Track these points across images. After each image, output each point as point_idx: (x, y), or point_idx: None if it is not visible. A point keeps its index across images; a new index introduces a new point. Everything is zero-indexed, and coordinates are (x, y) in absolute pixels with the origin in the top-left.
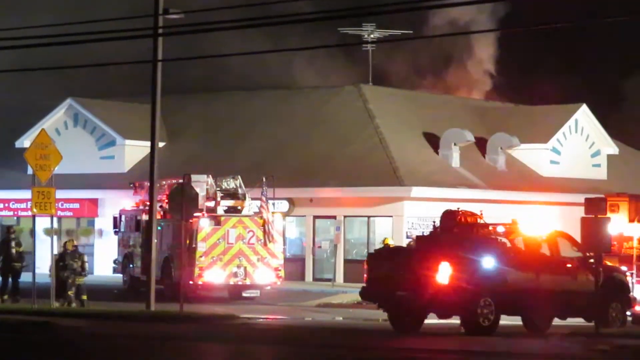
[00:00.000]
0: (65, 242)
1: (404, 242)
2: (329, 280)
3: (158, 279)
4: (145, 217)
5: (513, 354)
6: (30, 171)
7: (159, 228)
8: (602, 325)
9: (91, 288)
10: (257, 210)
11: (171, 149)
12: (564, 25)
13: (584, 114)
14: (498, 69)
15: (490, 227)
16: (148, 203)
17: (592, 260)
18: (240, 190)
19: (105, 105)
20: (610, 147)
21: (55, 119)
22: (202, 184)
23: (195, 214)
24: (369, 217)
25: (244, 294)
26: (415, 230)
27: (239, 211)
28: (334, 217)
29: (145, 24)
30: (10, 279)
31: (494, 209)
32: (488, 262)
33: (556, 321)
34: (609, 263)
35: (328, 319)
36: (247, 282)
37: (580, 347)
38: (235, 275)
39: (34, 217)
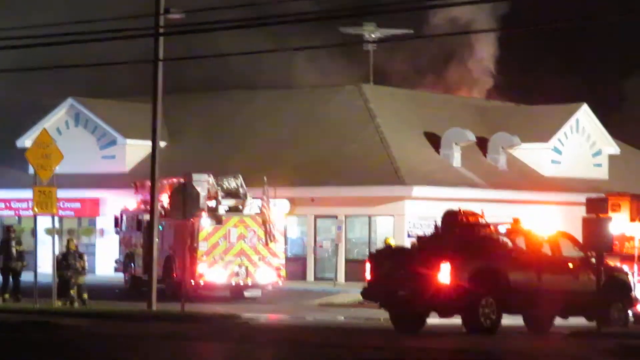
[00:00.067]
0: (68, 241)
1: (405, 242)
2: (330, 279)
3: (159, 278)
4: (146, 216)
5: (515, 354)
6: (31, 170)
7: (160, 227)
8: (603, 324)
9: (92, 287)
10: (259, 209)
11: (172, 148)
12: (564, 25)
13: (585, 114)
14: (499, 68)
15: (492, 227)
16: (149, 202)
17: (593, 260)
18: (241, 190)
19: (107, 104)
20: (611, 146)
21: (56, 119)
22: (203, 183)
23: (197, 214)
24: (370, 216)
25: (246, 294)
26: (416, 230)
27: (240, 210)
28: (335, 217)
29: (147, 23)
30: (11, 278)
31: (495, 208)
32: (489, 262)
33: (558, 321)
34: (610, 263)
35: (329, 319)
36: (249, 281)
37: (581, 346)
38: (236, 274)
39: (35, 216)
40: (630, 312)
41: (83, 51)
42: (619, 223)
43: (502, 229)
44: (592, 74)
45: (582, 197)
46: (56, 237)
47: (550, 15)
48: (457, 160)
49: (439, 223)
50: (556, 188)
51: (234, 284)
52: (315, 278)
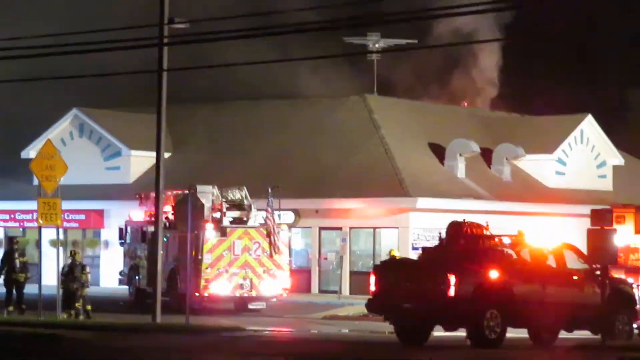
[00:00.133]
0: (74, 254)
1: (410, 254)
2: (334, 292)
3: (164, 290)
4: (151, 228)
5: None
6: (35, 182)
7: (165, 239)
8: (608, 337)
9: (97, 299)
10: (263, 221)
11: (177, 159)
12: (567, 35)
13: (589, 125)
14: (503, 78)
15: (496, 239)
16: (154, 214)
17: (598, 272)
18: (245, 201)
19: (111, 115)
20: (616, 157)
21: (60, 129)
22: (207, 194)
23: (201, 225)
24: (374, 228)
25: (250, 306)
26: (421, 242)
27: (245, 222)
28: (340, 229)
29: (150, 33)
30: (14, 290)
31: (499, 220)
32: (494, 274)
33: (563, 334)
34: (615, 275)
35: (334, 331)
36: (253, 293)
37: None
38: (241, 286)
39: (39, 228)
40: (635, 325)
41: (87, 61)
42: (623, 235)
43: (506, 241)
44: (597, 85)
45: (586, 209)
46: (61, 248)
47: (555, 25)
48: (461, 171)
49: (444, 235)
50: (560, 199)
51: (238, 296)
52: (320, 290)
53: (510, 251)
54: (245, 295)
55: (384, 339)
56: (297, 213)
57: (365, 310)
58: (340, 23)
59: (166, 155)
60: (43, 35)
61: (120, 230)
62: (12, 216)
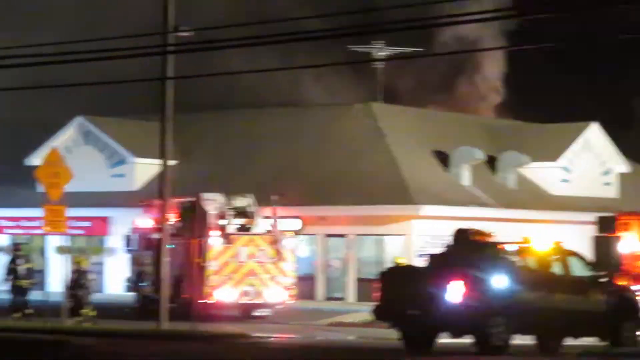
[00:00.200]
0: (80, 260)
1: (415, 261)
2: (340, 299)
3: (170, 297)
4: (156, 235)
5: None
6: (40, 189)
7: (170, 246)
8: (614, 344)
9: (102, 306)
10: (268, 228)
11: (182, 167)
12: (572, 42)
13: (594, 132)
14: (508, 85)
15: (502, 246)
16: (159, 221)
17: (603, 280)
18: (251, 209)
19: (116, 123)
20: (621, 165)
21: (65, 137)
22: (213, 202)
23: (207, 233)
24: (379, 235)
25: (255, 313)
26: (426, 249)
27: (250, 230)
28: (345, 236)
29: (156, 42)
30: (20, 296)
31: (504, 227)
32: (500, 281)
33: (569, 341)
34: (620, 282)
35: (340, 338)
36: (258, 300)
37: None
38: (246, 293)
39: (45, 235)
40: (638, 332)
41: (92, 69)
42: (628, 242)
43: (512, 248)
44: (603, 92)
45: (591, 216)
46: (67, 255)
47: (560, 33)
48: (466, 179)
49: (449, 242)
50: (566, 207)
51: (243, 303)
52: (325, 297)
53: (515, 258)
54: (251, 302)
55: (390, 346)
56: (302, 220)
57: (370, 317)
58: (344, 31)
59: (172, 162)
60: (48, 43)
61: (126, 237)
62: (17, 223)
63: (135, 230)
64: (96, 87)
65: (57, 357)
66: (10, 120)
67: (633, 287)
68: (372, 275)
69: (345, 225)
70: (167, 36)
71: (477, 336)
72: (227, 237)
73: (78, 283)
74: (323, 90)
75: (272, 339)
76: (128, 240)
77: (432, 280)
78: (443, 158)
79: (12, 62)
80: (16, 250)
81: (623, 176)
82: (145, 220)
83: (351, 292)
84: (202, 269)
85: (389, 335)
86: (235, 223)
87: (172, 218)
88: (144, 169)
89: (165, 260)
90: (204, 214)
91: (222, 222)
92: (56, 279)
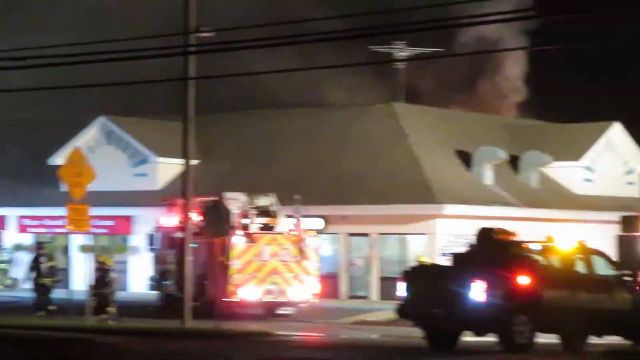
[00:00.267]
0: (105, 259)
1: (438, 260)
2: (363, 297)
3: (193, 296)
4: (180, 234)
5: None
6: (63, 188)
7: (194, 245)
8: (638, 343)
9: (125, 305)
10: (291, 227)
11: (205, 167)
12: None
13: (617, 132)
14: (529, 85)
15: (525, 245)
16: (182, 220)
17: (627, 278)
18: (274, 208)
19: (138, 122)
20: None
21: (88, 137)
22: (236, 201)
23: (230, 232)
24: (402, 234)
25: (279, 311)
26: (449, 249)
27: (273, 228)
28: (368, 235)
29: (177, 42)
30: (43, 294)
31: (527, 226)
32: (524, 280)
33: (593, 340)
34: None
35: (363, 337)
36: (282, 299)
37: None
38: (269, 292)
39: (68, 234)
40: None
41: (114, 69)
42: None
43: (535, 247)
44: (625, 91)
45: (614, 216)
46: (90, 254)
47: (581, 32)
48: (488, 178)
49: (473, 241)
50: (589, 206)
51: (267, 301)
52: (348, 296)
53: (539, 257)
54: (274, 300)
55: (414, 344)
56: (325, 219)
57: (394, 316)
58: (365, 32)
59: (194, 162)
60: (70, 44)
61: (150, 236)
62: (40, 222)
63: (158, 229)
64: (118, 87)
65: (81, 355)
66: (33, 120)
67: None
68: (395, 274)
69: (368, 224)
70: (188, 37)
71: (501, 335)
72: (250, 236)
73: (102, 281)
74: (344, 90)
75: (296, 337)
76: (151, 239)
77: (456, 279)
78: (465, 158)
79: (35, 63)
80: (39, 249)
81: None
82: (168, 219)
83: (374, 290)
84: (225, 267)
85: (413, 333)
86: (258, 222)
87: (195, 217)
88: (166, 169)
89: (189, 259)
90: (226, 213)
91: (245, 221)
92: (79, 277)
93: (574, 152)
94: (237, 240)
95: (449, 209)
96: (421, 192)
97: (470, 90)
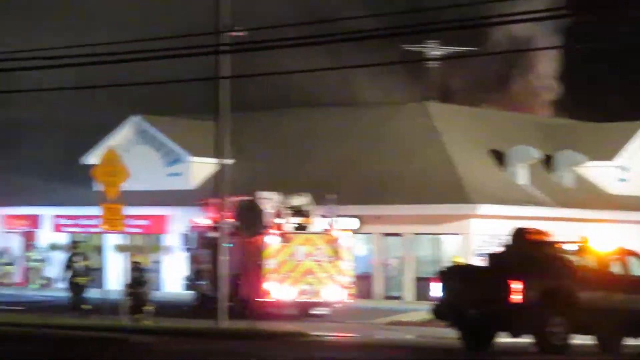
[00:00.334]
0: (141, 258)
1: (472, 260)
2: (398, 297)
3: (228, 295)
4: (214, 234)
5: None
6: (96, 188)
7: (228, 245)
8: None
9: (160, 304)
10: (325, 227)
11: (239, 166)
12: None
13: None
14: (562, 84)
15: (560, 245)
16: (217, 220)
17: None
18: (308, 208)
19: (172, 122)
20: None
21: (121, 136)
22: (270, 201)
23: (264, 231)
24: (436, 234)
25: (313, 312)
26: (483, 249)
27: (307, 228)
28: (402, 235)
29: (210, 41)
30: (77, 294)
31: (561, 226)
32: (559, 281)
33: (629, 341)
34: None
35: (398, 337)
36: (316, 299)
37: None
38: (304, 292)
39: (103, 233)
40: None
41: (147, 68)
42: None
43: (570, 248)
44: None
45: None
46: (125, 254)
47: (615, 29)
48: (522, 178)
49: (507, 241)
50: (623, 206)
51: (301, 301)
52: (383, 296)
53: (574, 258)
54: (308, 300)
55: (449, 345)
56: (359, 219)
57: (429, 316)
58: (397, 31)
59: (228, 162)
60: (102, 43)
61: (185, 236)
62: (75, 222)
63: (193, 228)
64: (151, 86)
65: (115, 354)
66: (67, 119)
67: None
68: (430, 274)
69: (402, 224)
70: (220, 36)
71: (536, 336)
72: (284, 236)
73: (138, 281)
74: (377, 89)
75: (330, 338)
76: (186, 239)
77: (491, 279)
78: (499, 157)
79: (68, 62)
80: (74, 248)
81: None
82: (202, 219)
83: (409, 291)
84: (259, 267)
85: (448, 334)
86: (292, 222)
87: (230, 217)
88: (200, 168)
89: (223, 258)
90: (260, 212)
91: (279, 220)
92: (114, 277)
93: (607, 151)
94: (271, 240)
95: (483, 208)
96: (455, 191)
97: (503, 89)
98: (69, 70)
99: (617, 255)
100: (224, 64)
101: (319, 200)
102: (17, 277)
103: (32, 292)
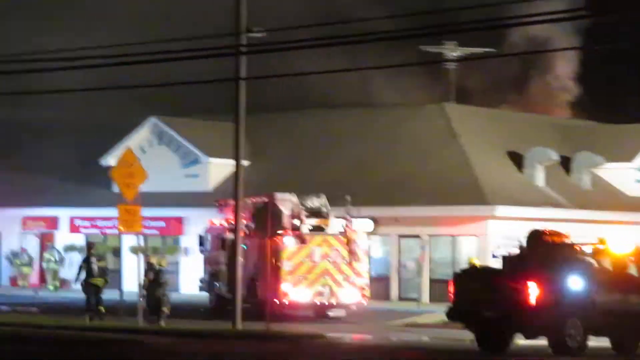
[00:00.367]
0: (159, 260)
1: (489, 262)
2: (414, 299)
3: (244, 297)
4: (230, 235)
5: None
6: (114, 189)
7: (245, 247)
8: None
9: (177, 306)
10: (342, 228)
11: (255, 167)
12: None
13: None
14: (581, 85)
15: (577, 247)
16: (233, 221)
17: None
18: (324, 209)
19: (189, 123)
20: None
21: (139, 137)
22: (286, 202)
23: (280, 233)
24: (453, 236)
25: (330, 313)
26: (500, 250)
27: (324, 230)
28: (419, 236)
29: (228, 43)
30: (93, 295)
31: (579, 228)
32: (575, 283)
33: None
34: None
35: (414, 339)
36: (333, 301)
37: None
38: (320, 294)
39: (120, 234)
40: None
41: (164, 70)
42: None
43: (587, 249)
44: None
45: None
46: (142, 255)
47: (634, 30)
48: (540, 179)
49: (524, 243)
50: None
51: (318, 303)
52: (399, 298)
53: (591, 260)
54: (325, 302)
55: (465, 347)
56: (375, 221)
57: (445, 318)
58: (415, 32)
59: (245, 163)
60: (120, 44)
61: (200, 237)
62: (92, 222)
63: (209, 230)
64: (168, 87)
65: (131, 356)
66: (85, 120)
67: None
68: (447, 276)
69: (419, 225)
70: (239, 37)
71: (552, 338)
72: (300, 237)
73: (156, 282)
74: (395, 90)
75: (347, 339)
76: (202, 240)
77: (507, 281)
78: (516, 159)
79: (86, 64)
80: (90, 249)
81: None
82: (219, 220)
83: (425, 292)
84: (276, 269)
85: (464, 336)
86: (309, 223)
87: (246, 218)
88: (218, 169)
89: (240, 260)
90: (277, 214)
91: (295, 222)
92: (131, 278)
93: (626, 153)
94: (288, 242)
95: (500, 210)
96: (472, 193)
97: (521, 90)
98: (87, 71)
99: (635, 257)
100: (243, 65)
101: (336, 201)
102: (33, 278)
103: (48, 294)
